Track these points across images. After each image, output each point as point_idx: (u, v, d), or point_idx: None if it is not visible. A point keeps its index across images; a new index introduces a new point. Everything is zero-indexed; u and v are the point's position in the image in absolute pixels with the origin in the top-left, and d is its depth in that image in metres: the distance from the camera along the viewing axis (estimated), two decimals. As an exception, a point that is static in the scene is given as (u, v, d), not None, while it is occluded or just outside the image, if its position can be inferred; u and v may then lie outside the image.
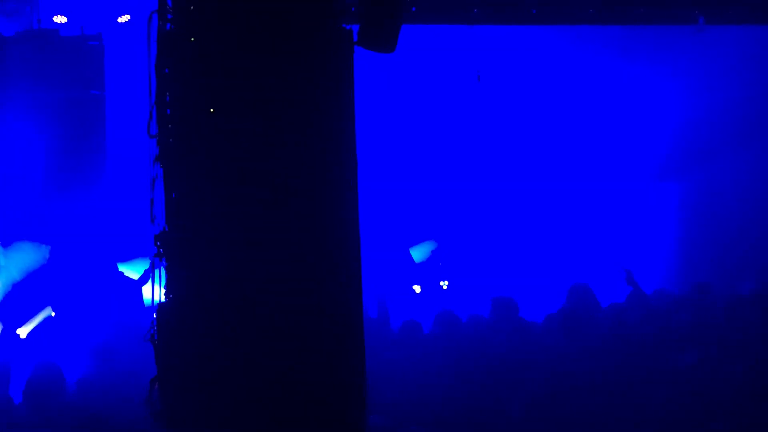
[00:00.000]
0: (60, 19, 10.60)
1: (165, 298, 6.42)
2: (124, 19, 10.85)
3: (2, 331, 11.08)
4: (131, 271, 11.48)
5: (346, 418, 6.51)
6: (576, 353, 9.13)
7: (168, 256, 6.40)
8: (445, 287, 13.78)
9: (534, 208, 14.58)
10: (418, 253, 14.14)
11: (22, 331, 11.28)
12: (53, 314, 11.07)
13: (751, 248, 13.68)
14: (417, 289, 13.38)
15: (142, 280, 11.12)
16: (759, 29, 11.66)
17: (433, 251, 14.10)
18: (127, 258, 11.63)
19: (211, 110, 6.36)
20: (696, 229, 14.50)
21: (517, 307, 10.12)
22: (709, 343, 9.32)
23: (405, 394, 8.55)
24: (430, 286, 13.64)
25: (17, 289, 11.55)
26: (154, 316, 6.40)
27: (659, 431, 8.20)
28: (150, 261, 6.48)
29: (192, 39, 6.38)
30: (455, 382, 8.72)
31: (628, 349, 9.21)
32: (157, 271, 6.43)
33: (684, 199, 14.83)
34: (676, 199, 14.91)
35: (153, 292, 6.47)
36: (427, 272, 13.97)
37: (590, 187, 14.63)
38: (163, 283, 6.42)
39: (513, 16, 9.48)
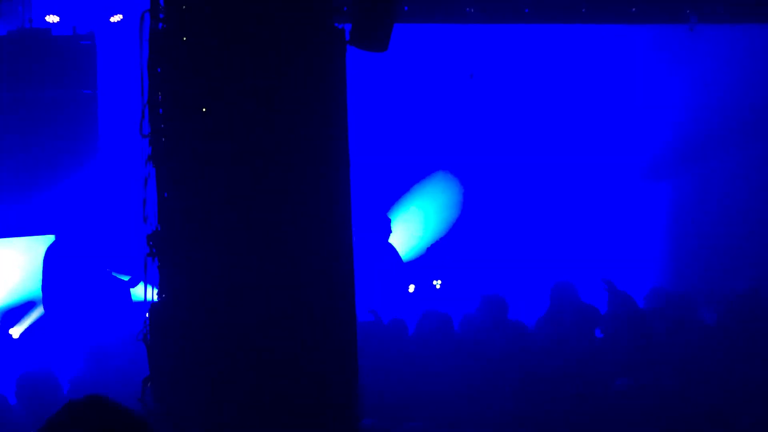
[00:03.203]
0: (52, 18, 10.59)
1: (157, 298, 6.41)
2: (116, 18, 10.84)
3: None
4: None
5: (341, 417, 6.51)
6: (566, 353, 9.13)
7: (160, 256, 6.39)
8: (438, 287, 13.78)
9: (526, 207, 14.58)
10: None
11: (15, 332, 11.27)
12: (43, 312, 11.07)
13: (743, 248, 13.69)
14: (411, 288, 13.37)
15: (132, 282, 11.10)
16: (751, 28, 11.68)
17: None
18: (119, 258, 11.62)
19: (204, 110, 6.36)
20: (687, 229, 14.50)
21: (506, 305, 10.11)
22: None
23: (396, 393, 8.55)
24: (423, 286, 13.64)
25: (9, 288, 11.55)
26: (147, 315, 6.39)
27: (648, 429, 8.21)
28: (143, 261, 6.47)
29: (184, 38, 6.38)
30: (445, 381, 8.73)
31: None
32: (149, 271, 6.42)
33: (675, 198, 14.84)
34: (668, 199, 14.92)
35: (145, 292, 6.47)
36: (421, 271, 13.97)
37: (582, 186, 14.63)
38: (156, 282, 6.41)
39: (505, 15, 9.49)
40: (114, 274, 11.36)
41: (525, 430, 8.22)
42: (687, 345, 9.40)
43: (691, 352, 9.24)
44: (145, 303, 6.47)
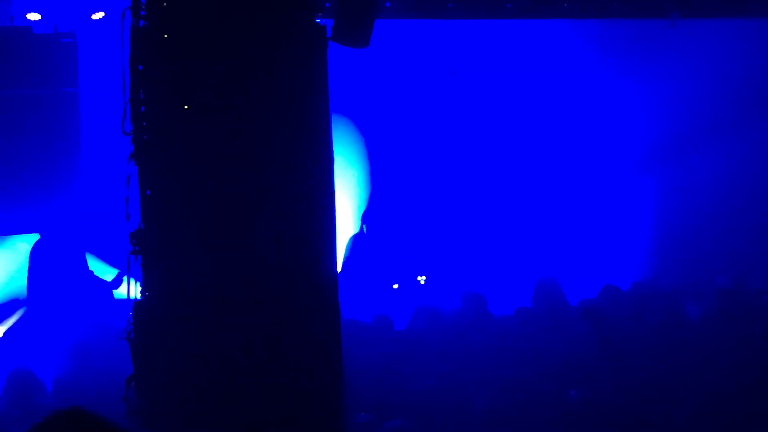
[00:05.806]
0: (33, 16, 10.56)
1: (141, 296, 6.40)
2: (98, 16, 10.82)
3: None
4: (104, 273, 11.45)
5: (327, 414, 6.51)
6: (544, 348, 9.14)
7: (143, 254, 6.38)
8: (422, 282, 13.78)
9: (511, 202, 14.59)
10: None
11: (-1, 331, 11.25)
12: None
13: (727, 243, 13.73)
14: (395, 285, 13.37)
15: (114, 283, 11.08)
16: (735, 22, 11.71)
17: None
18: (102, 256, 11.60)
19: (185, 107, 6.35)
20: (672, 224, 14.54)
21: (485, 301, 10.14)
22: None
23: (383, 389, 8.56)
24: (407, 282, 13.65)
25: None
26: (130, 314, 6.38)
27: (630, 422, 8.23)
28: (126, 259, 6.46)
29: (165, 36, 6.37)
30: (430, 376, 8.74)
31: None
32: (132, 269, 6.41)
33: (660, 193, 14.87)
34: (653, 194, 14.95)
35: (129, 290, 6.46)
36: (405, 268, 13.97)
37: (567, 180, 14.64)
38: (139, 280, 6.41)
39: (487, 10, 9.50)
40: (97, 273, 11.33)
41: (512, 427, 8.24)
42: (672, 339, 9.42)
43: (676, 346, 9.26)
44: (128, 301, 6.47)
